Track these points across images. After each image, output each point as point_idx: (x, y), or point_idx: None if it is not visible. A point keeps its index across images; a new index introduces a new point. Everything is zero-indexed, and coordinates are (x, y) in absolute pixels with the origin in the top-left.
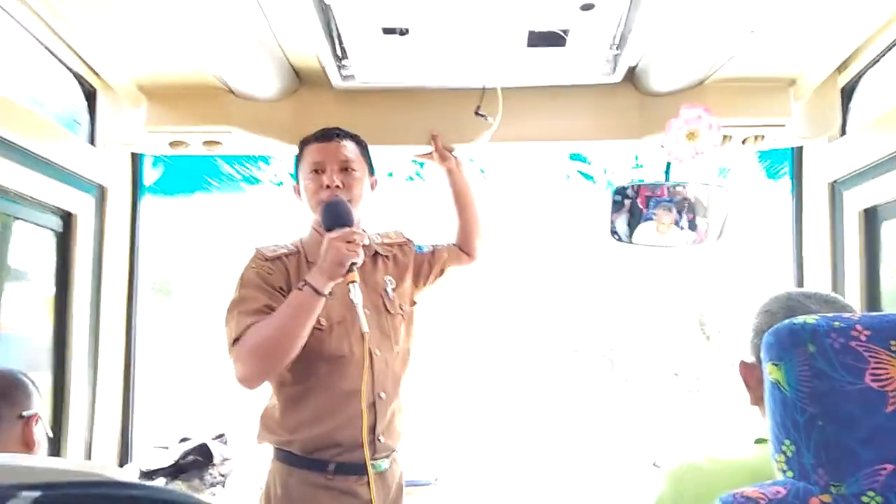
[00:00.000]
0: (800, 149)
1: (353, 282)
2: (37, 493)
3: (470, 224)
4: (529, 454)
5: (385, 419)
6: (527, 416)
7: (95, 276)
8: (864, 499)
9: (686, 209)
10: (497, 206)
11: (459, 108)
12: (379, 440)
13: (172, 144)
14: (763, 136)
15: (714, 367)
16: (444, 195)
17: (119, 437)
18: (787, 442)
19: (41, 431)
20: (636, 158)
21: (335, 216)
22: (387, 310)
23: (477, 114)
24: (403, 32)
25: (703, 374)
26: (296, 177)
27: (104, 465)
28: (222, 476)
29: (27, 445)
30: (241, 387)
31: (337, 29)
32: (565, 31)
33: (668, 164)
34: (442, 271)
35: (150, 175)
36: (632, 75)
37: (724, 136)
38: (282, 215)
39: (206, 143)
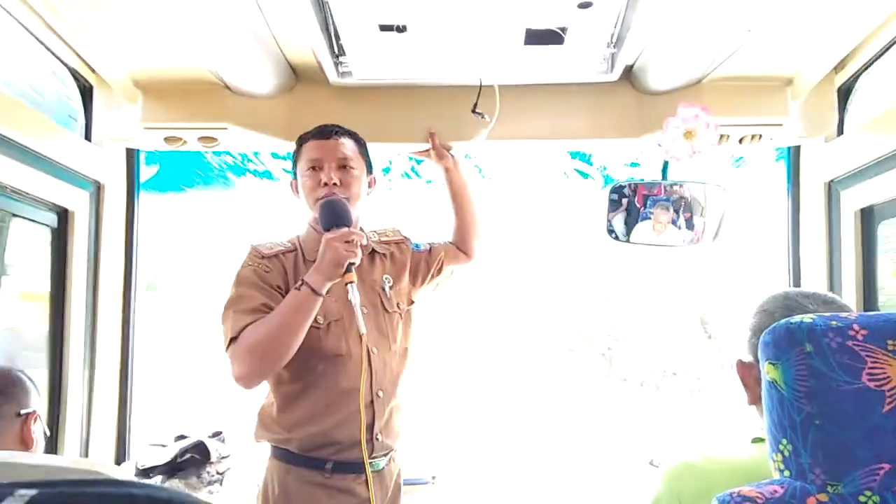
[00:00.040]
0: (797, 148)
1: (350, 282)
2: (33, 492)
3: (467, 223)
4: (527, 453)
5: (383, 418)
6: (524, 415)
7: (92, 272)
8: (862, 498)
9: (683, 208)
10: (495, 205)
11: (456, 105)
12: (377, 439)
13: (168, 140)
14: (760, 136)
15: (715, 367)
16: (441, 193)
17: (116, 435)
18: (784, 441)
19: (39, 430)
20: (638, 156)
21: (333, 216)
22: (384, 308)
23: (474, 112)
24: (401, 29)
25: (704, 374)
26: (293, 173)
27: (102, 463)
28: (219, 474)
29: (25, 443)
30: (237, 386)
31: (334, 25)
32: (563, 29)
33: (666, 163)
34: (439, 270)
35: (144, 172)
36: (629, 74)
37: (722, 136)
38: (273, 208)
39: (202, 139)
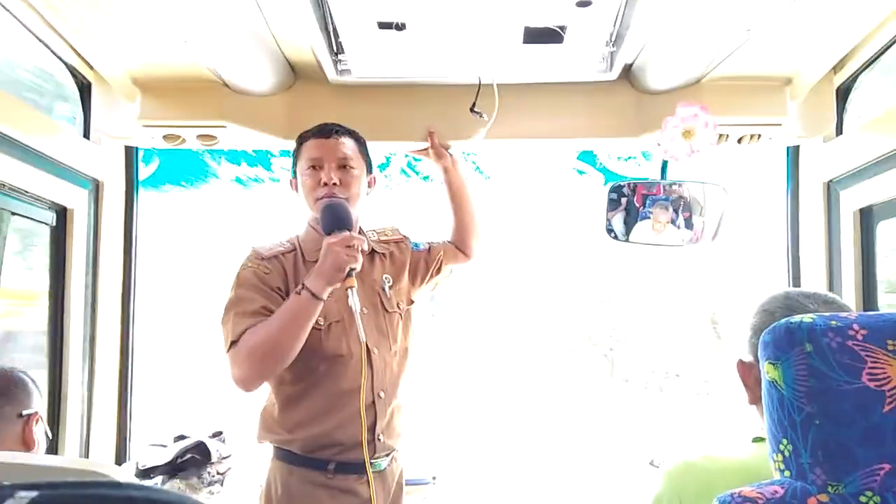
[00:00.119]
0: (796, 148)
1: (351, 287)
2: (34, 493)
3: (466, 222)
4: (528, 454)
5: (385, 418)
6: (525, 415)
7: (91, 271)
8: (862, 498)
9: (682, 207)
10: (495, 205)
11: (456, 104)
12: (379, 439)
13: (167, 138)
14: (759, 136)
15: (725, 368)
16: (440, 192)
17: (116, 435)
18: (785, 441)
19: (40, 431)
20: (644, 156)
21: (335, 219)
22: (384, 308)
23: (472, 111)
24: (400, 27)
25: (712, 375)
26: (293, 171)
27: (103, 464)
28: (220, 474)
29: (26, 444)
30: (237, 389)
31: (333, 23)
32: (562, 28)
33: (665, 163)
34: (439, 269)
35: (143, 170)
36: (628, 73)
37: (720, 135)
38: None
39: (201, 137)
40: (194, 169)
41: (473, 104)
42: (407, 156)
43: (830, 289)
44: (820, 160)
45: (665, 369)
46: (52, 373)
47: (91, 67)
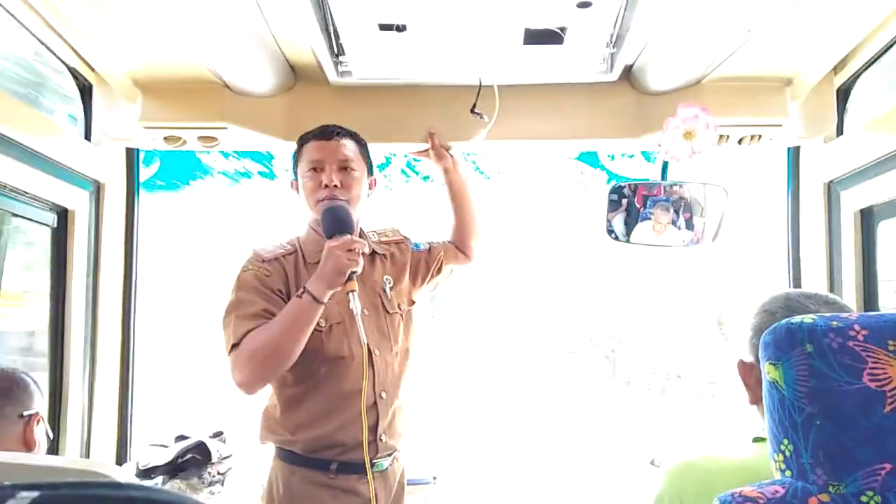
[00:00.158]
0: (796, 149)
1: (352, 291)
2: (35, 494)
3: (466, 223)
4: (528, 454)
5: (387, 419)
6: (525, 416)
7: (92, 272)
8: (863, 498)
9: (683, 208)
10: (497, 205)
11: (456, 105)
12: (381, 440)
13: (168, 140)
14: (760, 136)
15: (731, 370)
16: (440, 193)
17: (117, 435)
18: (786, 441)
19: (42, 431)
20: (646, 157)
21: (336, 222)
22: (385, 309)
23: (473, 112)
24: (400, 29)
25: (718, 377)
26: (294, 173)
27: (103, 464)
28: (220, 474)
29: (27, 445)
30: (239, 391)
31: (333, 24)
32: (562, 29)
33: (665, 164)
34: (439, 269)
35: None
36: (629, 74)
37: (721, 136)
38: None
39: (202, 138)
40: (186, 167)
41: (474, 105)
42: (406, 156)
43: (831, 289)
44: (820, 161)
45: (667, 371)
46: (53, 373)
47: (92, 69)
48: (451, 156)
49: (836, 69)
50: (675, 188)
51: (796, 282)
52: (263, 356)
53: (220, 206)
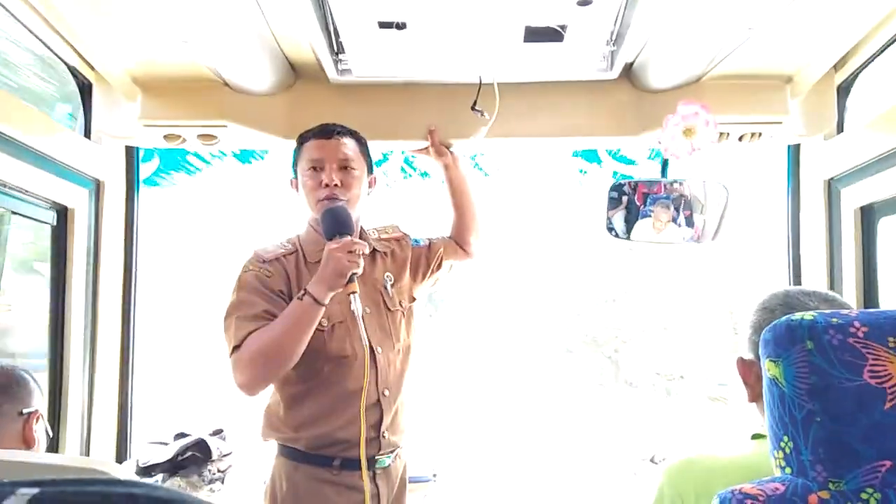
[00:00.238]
0: (797, 146)
1: (353, 292)
2: (35, 490)
3: (466, 220)
4: (528, 452)
5: (390, 416)
6: (526, 414)
7: (92, 270)
8: (863, 495)
9: (683, 206)
10: (499, 203)
11: (456, 103)
12: (384, 437)
13: (167, 138)
14: (760, 134)
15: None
16: (440, 189)
17: (116, 433)
18: (786, 438)
19: (41, 429)
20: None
21: (336, 224)
22: (387, 307)
23: (473, 109)
24: (400, 26)
25: (727, 378)
26: (294, 171)
27: (103, 462)
28: (221, 472)
29: (26, 442)
30: (240, 392)
31: (333, 23)
32: (562, 27)
33: (666, 161)
34: (439, 265)
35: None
36: (629, 72)
37: (721, 133)
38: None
39: (202, 136)
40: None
41: (474, 103)
42: (403, 152)
43: (831, 286)
44: (821, 158)
45: (671, 372)
46: (53, 371)
47: (92, 67)
48: (452, 153)
49: (837, 67)
50: (675, 185)
51: (796, 279)
52: (265, 358)
53: (226, 192)
